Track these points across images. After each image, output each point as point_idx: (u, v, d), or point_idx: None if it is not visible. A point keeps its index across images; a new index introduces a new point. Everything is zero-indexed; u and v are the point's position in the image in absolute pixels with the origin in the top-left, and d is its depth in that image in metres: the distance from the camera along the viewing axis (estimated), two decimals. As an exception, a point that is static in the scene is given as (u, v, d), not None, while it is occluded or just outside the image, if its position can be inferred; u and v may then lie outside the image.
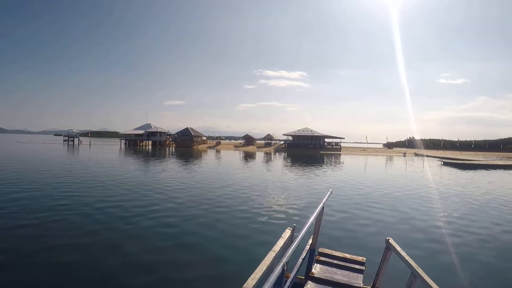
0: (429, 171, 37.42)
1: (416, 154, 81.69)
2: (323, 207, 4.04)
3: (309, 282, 3.85)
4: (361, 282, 3.97)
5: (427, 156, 74.63)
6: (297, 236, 2.61)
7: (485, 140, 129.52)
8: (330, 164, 42.23)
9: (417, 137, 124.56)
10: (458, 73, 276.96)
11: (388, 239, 3.69)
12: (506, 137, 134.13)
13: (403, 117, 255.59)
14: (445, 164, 48.97)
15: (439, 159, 56.95)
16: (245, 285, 1.91)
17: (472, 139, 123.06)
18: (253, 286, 1.91)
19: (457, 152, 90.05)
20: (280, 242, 2.94)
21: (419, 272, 2.80)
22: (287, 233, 3.31)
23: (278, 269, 1.94)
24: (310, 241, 4.37)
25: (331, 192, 4.77)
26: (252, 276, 2.16)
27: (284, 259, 2.10)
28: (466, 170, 38.76)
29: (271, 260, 2.44)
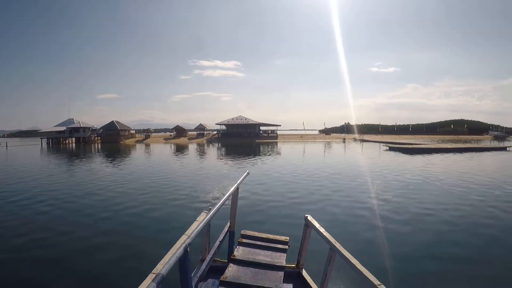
0: (378, 157, 36.60)
1: (355, 139, 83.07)
2: (237, 188, 4.22)
3: (231, 264, 3.88)
4: (284, 261, 4.04)
5: (368, 141, 75.55)
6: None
7: (421, 124, 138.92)
8: (267, 153, 42.74)
9: (353, 122, 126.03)
10: (390, 62, 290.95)
11: (307, 216, 3.98)
12: (442, 120, 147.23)
13: (338, 103, 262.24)
14: (391, 149, 48.20)
15: (384, 144, 56.57)
16: (154, 270, 1.90)
17: (407, 123, 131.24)
18: (162, 271, 1.79)
19: (396, 136, 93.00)
20: (194, 225, 3.10)
21: (337, 246, 2.99)
22: (202, 216, 3.43)
23: (179, 251, 2.01)
24: (228, 223, 4.45)
25: (248, 173, 4.91)
26: (162, 260, 2.24)
27: (188, 240, 2.17)
28: (415, 155, 38.14)
29: (182, 243, 2.32)
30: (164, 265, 1.80)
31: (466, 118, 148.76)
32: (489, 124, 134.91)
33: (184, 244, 2.10)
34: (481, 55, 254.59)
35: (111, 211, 12.38)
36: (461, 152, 42.08)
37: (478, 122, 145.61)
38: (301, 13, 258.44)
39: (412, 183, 17.97)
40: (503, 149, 47.48)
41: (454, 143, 65.03)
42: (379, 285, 2.31)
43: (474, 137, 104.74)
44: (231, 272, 3.72)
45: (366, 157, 37.31)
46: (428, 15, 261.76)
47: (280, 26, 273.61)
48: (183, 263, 2.14)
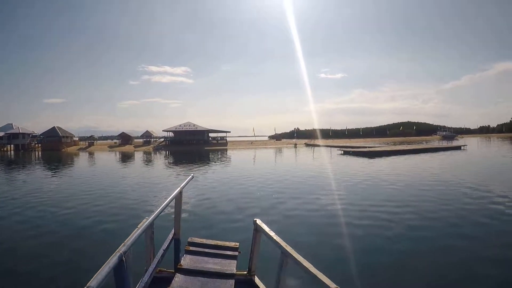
0: (336, 161, 35.21)
1: (307, 144, 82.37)
2: (181, 192, 4.17)
3: (178, 274, 3.77)
4: (235, 269, 3.99)
5: (320, 145, 74.05)
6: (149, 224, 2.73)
7: (371, 127, 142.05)
8: (216, 160, 41.75)
9: (307, 127, 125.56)
10: (337, 68, 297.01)
11: (255, 221, 3.81)
12: (390, 123, 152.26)
13: (288, 109, 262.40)
14: (346, 153, 46.90)
15: (338, 148, 55.67)
16: (88, 283, 1.69)
17: (357, 127, 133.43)
18: (92, 283, 1.67)
19: (347, 140, 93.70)
20: (135, 233, 2.59)
21: (288, 250, 2.87)
22: (143, 223, 2.85)
23: (113, 260, 1.90)
24: (173, 230, 4.36)
25: (193, 177, 4.93)
26: (97, 273, 1.94)
27: (123, 248, 2.09)
28: (373, 158, 37.21)
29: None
30: (95, 277, 1.66)
31: (413, 120, 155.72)
32: (435, 125, 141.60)
33: (119, 253, 1.99)
34: (423, 61, 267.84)
35: (36, 230, 10.64)
36: (419, 153, 42.38)
37: (425, 123, 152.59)
38: (250, 17, 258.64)
39: (385, 187, 17.50)
40: (458, 148, 49.24)
41: (409, 144, 66.70)
42: (335, 287, 2.23)
43: (424, 138, 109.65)
44: (178, 282, 3.62)
45: (322, 162, 36.51)
46: (372, 23, 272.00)
47: (229, 32, 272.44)
48: (119, 273, 2.02)
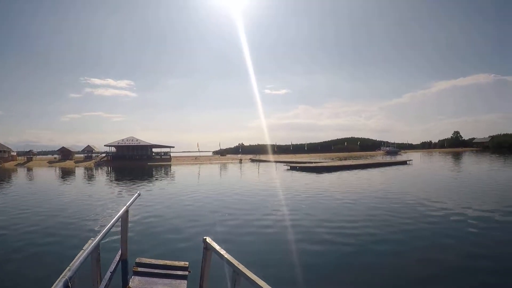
0: (283, 177, 33.45)
1: (252, 160, 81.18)
2: (127, 210, 4.10)
3: None
4: None
5: (265, 161, 73.29)
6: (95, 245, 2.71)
7: (316, 143, 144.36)
8: (160, 177, 40.51)
9: (266, 142, 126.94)
10: (282, 84, 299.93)
11: (205, 239, 3.81)
12: (334, 139, 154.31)
13: (232, 124, 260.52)
14: (293, 168, 45.59)
15: (285, 164, 53.86)
16: None
17: (301, 143, 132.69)
18: None
19: (293, 155, 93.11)
20: (80, 256, 2.58)
21: (240, 268, 2.85)
22: (90, 244, 2.90)
23: (58, 287, 1.87)
24: (120, 251, 4.23)
25: (139, 194, 4.99)
26: None
27: (68, 274, 1.99)
28: (321, 174, 36.37)
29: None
30: None
31: (356, 136, 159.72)
32: (379, 140, 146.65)
33: (64, 279, 1.91)
34: (366, 79, 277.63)
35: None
36: (366, 168, 42.47)
37: (369, 139, 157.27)
38: (199, 33, 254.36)
39: (336, 202, 17.45)
40: (404, 163, 50.09)
41: (355, 159, 67.64)
42: None
43: (368, 153, 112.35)
44: None
45: (269, 177, 35.40)
46: (316, 41, 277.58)
47: (176, 46, 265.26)
48: None
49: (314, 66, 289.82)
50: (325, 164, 46.36)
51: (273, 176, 35.53)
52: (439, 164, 49.37)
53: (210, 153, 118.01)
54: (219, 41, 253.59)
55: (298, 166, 45.88)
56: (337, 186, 24.36)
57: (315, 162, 52.20)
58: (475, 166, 43.34)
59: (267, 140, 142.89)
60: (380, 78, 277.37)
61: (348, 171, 38.16)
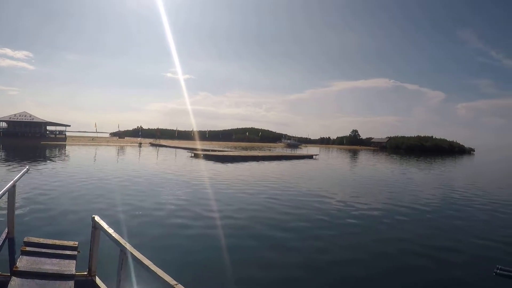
0: (188, 164, 31.12)
1: (152, 144, 76.63)
2: (14, 185, 3.94)
3: (13, 278, 3.37)
4: (74, 269, 3.73)
5: (166, 146, 69.72)
6: None
7: (217, 131, 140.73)
8: (54, 157, 37.76)
9: (169, 127, 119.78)
10: (185, 69, 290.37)
11: (94, 217, 3.73)
12: (234, 128, 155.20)
13: (131, 106, 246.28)
14: (196, 156, 43.10)
15: (189, 151, 50.72)
16: None
17: (199, 129, 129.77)
18: None
19: (194, 142, 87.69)
20: None
21: (127, 248, 2.86)
22: None
23: None
24: (6, 229, 4.09)
25: (28, 170, 4.84)
26: None
27: None
28: (228, 163, 34.67)
29: None
30: None
31: (256, 127, 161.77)
32: (279, 133, 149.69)
33: None
34: (268, 72, 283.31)
35: None
36: (274, 160, 41.72)
37: (269, 131, 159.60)
38: (104, 8, 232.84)
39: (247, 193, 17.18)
40: (311, 157, 50.16)
41: (261, 150, 67.46)
42: (176, 284, 2.25)
43: (269, 144, 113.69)
44: (15, 286, 3.27)
45: (172, 163, 33.13)
46: (223, 30, 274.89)
47: (82, 20, 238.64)
48: None
49: (219, 53, 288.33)
50: (231, 154, 44.27)
51: (178, 164, 32.98)
52: (345, 161, 50.83)
53: (107, 135, 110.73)
54: (126, 20, 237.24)
55: (203, 154, 43.08)
56: (255, 177, 23.61)
57: (219, 151, 50.01)
58: (385, 165, 44.90)
59: (166, 125, 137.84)
60: (283, 72, 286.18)
61: (254, 162, 36.98)
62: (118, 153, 46.91)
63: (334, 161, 49.33)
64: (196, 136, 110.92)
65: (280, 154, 51.88)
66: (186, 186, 18.26)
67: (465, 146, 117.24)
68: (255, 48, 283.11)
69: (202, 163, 33.65)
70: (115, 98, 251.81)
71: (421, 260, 8.27)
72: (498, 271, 5.99)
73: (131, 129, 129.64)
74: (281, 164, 35.97)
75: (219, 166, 30.76)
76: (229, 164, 32.85)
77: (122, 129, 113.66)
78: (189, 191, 16.93)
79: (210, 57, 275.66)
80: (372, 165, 43.58)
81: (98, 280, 3.81)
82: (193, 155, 43.64)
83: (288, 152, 63.22)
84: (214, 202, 14.13)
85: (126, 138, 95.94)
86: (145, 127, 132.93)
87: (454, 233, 10.98)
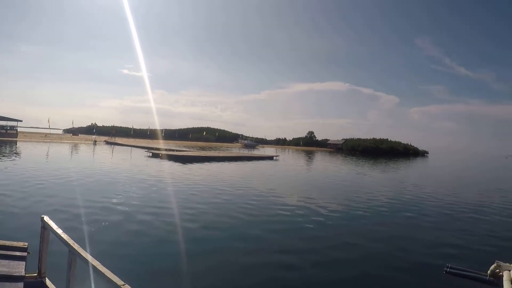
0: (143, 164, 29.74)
1: (107, 142, 74.08)
2: None
3: None
4: (23, 271, 3.45)
5: (122, 144, 67.67)
6: None
7: (174, 129, 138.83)
8: (5, 154, 34.94)
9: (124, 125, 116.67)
10: (142, 66, 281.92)
11: (43, 217, 3.79)
12: (190, 127, 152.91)
13: (87, 103, 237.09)
14: (155, 155, 41.56)
15: (147, 150, 48.94)
16: None
17: (156, 128, 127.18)
18: None
19: (150, 141, 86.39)
20: None
21: (76, 248, 2.94)
22: None
23: None
24: None
25: None
26: None
27: None
28: (188, 164, 33.47)
29: None
30: None
31: (211, 126, 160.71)
32: (235, 133, 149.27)
33: None
34: (225, 72, 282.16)
35: None
36: (235, 161, 41.37)
37: (226, 131, 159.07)
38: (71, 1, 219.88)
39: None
40: (271, 158, 50.48)
41: (221, 150, 66.82)
42: (123, 285, 2.25)
43: (226, 144, 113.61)
44: None
45: (131, 163, 31.99)
46: (187, 27, 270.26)
47: (40, 11, 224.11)
48: None
49: (177, 52, 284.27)
50: (191, 154, 43.25)
51: (136, 163, 31.62)
52: (306, 162, 51.37)
53: (61, 132, 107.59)
54: (86, 11, 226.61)
55: (161, 154, 41.54)
56: (223, 179, 22.79)
57: (177, 150, 49.08)
58: (349, 166, 45.68)
59: (121, 122, 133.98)
60: (240, 73, 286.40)
61: (216, 163, 36.35)
62: (72, 151, 44.59)
63: (295, 162, 49.66)
64: (157, 135, 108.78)
65: (241, 154, 51.68)
66: (142, 188, 17.41)
67: (419, 148, 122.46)
68: (212, 48, 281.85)
69: (161, 164, 32.52)
70: (70, 93, 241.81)
71: (374, 260, 8.41)
72: (448, 269, 6.01)
73: (85, 126, 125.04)
74: (244, 165, 35.74)
75: (180, 167, 29.86)
76: (190, 165, 31.80)
77: (76, 125, 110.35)
78: (145, 193, 16.05)
79: (170, 54, 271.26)
80: (335, 166, 44.14)
81: (48, 282, 3.82)
82: (151, 154, 42.02)
83: (249, 152, 63.03)
84: (173, 204, 13.73)
85: (80, 136, 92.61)
86: (99, 124, 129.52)
87: (407, 233, 11.32)
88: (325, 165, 47.05)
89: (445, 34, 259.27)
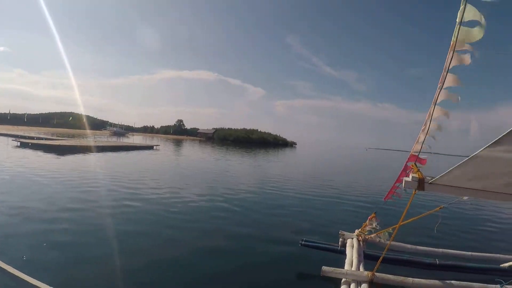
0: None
1: None
2: None
3: None
4: None
5: None
6: None
7: (37, 114, 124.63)
8: None
9: None
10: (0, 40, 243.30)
11: None
12: (55, 112, 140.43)
13: None
14: (23, 145, 37.66)
15: (14, 139, 44.56)
16: None
17: (16, 112, 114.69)
18: None
19: (10, 127, 77.35)
20: None
21: None
22: None
23: None
24: None
25: None
26: None
27: None
28: (67, 155, 30.41)
29: None
30: None
31: (75, 112, 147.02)
32: (100, 119, 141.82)
33: None
34: (92, 53, 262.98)
35: None
36: (118, 151, 39.81)
37: (91, 117, 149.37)
38: None
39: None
40: (151, 147, 50.18)
41: (92, 138, 61.72)
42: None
43: (95, 132, 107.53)
44: None
45: None
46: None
47: None
48: None
49: (39, 24, 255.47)
50: (67, 144, 39.92)
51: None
52: (189, 152, 50.05)
53: None
54: None
55: (31, 143, 37.55)
56: (119, 172, 20.61)
57: (48, 139, 45.32)
58: (230, 157, 46.98)
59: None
60: (106, 55, 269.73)
61: (97, 154, 34.04)
62: None
63: (177, 152, 48.90)
64: (13, 120, 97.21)
65: (121, 144, 50.42)
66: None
67: (288, 139, 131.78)
68: (77, 24, 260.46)
69: (32, 154, 28.53)
70: None
71: (239, 241, 8.96)
72: (303, 242, 7.90)
73: None
74: (128, 156, 34.47)
75: (58, 160, 26.58)
76: (70, 157, 28.86)
77: None
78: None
79: (29, 27, 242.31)
80: (223, 157, 44.23)
81: None
82: (19, 144, 38.08)
83: (128, 142, 60.70)
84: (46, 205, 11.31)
85: None
86: None
87: (271, 215, 12.41)
88: (207, 155, 46.66)
89: (316, 35, 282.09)
